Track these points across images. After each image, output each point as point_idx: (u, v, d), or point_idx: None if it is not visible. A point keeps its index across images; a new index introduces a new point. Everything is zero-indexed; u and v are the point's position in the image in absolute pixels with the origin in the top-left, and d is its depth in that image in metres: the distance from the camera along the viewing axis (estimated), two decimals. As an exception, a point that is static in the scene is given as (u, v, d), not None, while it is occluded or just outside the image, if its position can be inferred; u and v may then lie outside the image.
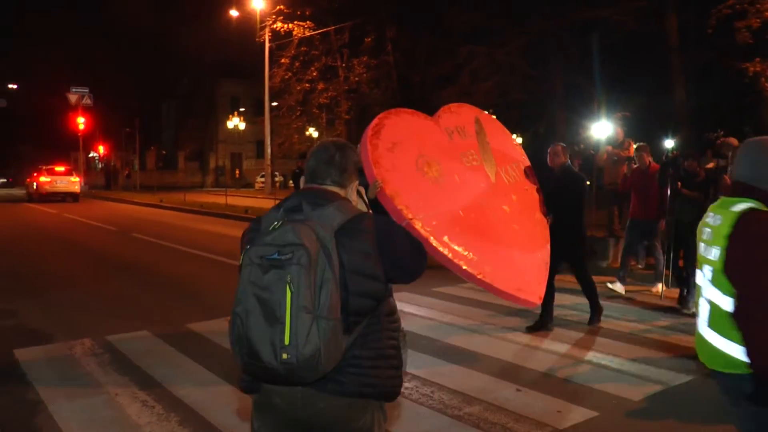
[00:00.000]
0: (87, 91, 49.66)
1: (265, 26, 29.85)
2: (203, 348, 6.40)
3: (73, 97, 49.14)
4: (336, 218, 2.17)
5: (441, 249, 5.22)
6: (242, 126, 49.73)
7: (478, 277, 5.36)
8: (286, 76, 32.06)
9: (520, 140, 43.20)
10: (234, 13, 31.73)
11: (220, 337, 6.64)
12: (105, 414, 4.83)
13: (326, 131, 36.87)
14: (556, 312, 7.08)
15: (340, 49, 32.11)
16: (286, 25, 30.79)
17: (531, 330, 6.89)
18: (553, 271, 6.66)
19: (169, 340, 6.69)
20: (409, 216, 5.14)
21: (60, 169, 34.60)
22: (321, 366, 2.05)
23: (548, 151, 7.04)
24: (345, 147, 2.42)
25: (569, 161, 7.11)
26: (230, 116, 49.09)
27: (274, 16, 30.55)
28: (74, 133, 49.48)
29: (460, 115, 6.42)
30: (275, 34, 30.72)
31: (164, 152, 63.33)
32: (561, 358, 6.12)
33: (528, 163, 6.98)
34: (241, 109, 51.97)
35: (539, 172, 7.15)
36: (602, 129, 16.44)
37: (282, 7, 30.64)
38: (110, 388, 5.34)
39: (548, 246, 6.43)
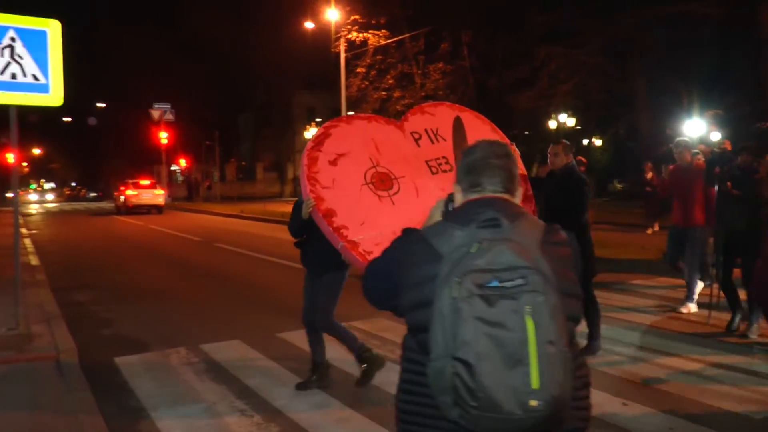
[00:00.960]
0: (169, 106, 51.35)
1: (340, 37, 30.05)
2: (296, 358, 6.33)
3: (155, 113, 50.89)
4: (534, 232, 1.89)
5: None
6: (320, 136, 50.19)
7: None
8: (363, 85, 32.23)
9: (599, 142, 42.20)
10: (309, 25, 32.08)
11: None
12: (205, 422, 4.83)
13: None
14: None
15: (415, 56, 32.06)
16: (361, 35, 30.96)
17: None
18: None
19: (262, 348, 6.67)
20: (348, 237, 4.64)
21: (145, 182, 35.89)
22: (567, 407, 1.76)
23: (548, 151, 6.45)
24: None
25: (573, 162, 6.38)
26: (307, 126, 49.68)
27: (348, 27, 30.76)
28: (157, 147, 51.20)
29: (434, 116, 5.69)
30: (350, 43, 30.90)
31: (243, 164, 64.74)
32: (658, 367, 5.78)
33: (522, 166, 6.73)
34: (318, 120, 52.53)
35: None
36: (694, 127, 15.75)
37: (357, 17, 30.83)
38: (208, 396, 5.35)
39: None
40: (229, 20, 45.54)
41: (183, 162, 58.07)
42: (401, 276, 1.89)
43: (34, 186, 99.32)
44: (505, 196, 2.03)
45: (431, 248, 1.85)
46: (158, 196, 35.05)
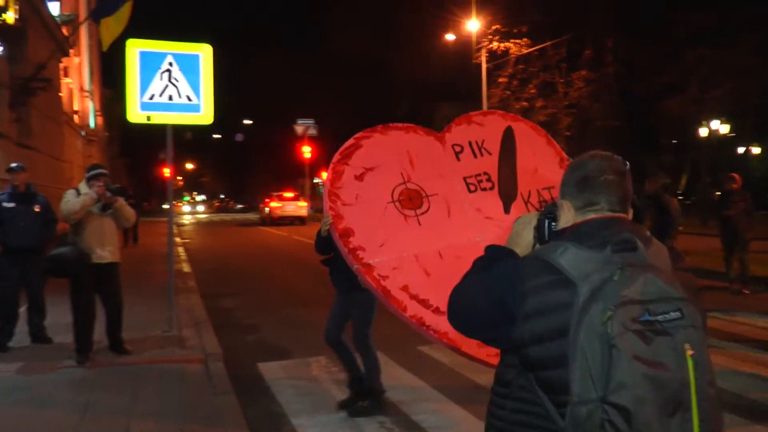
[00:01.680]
0: (312, 121, 53.13)
1: (481, 47, 29.83)
2: (436, 371, 6.23)
3: (299, 129, 52.85)
4: (664, 257, 1.68)
5: (399, 299, 4.24)
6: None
7: (443, 339, 4.23)
8: (504, 96, 31.80)
9: (757, 150, 39.08)
10: (450, 36, 32.10)
11: (453, 361, 6.44)
12: (345, 432, 4.81)
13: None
14: None
15: (558, 64, 31.28)
16: (502, 44, 30.62)
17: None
18: None
19: (402, 361, 6.61)
20: (363, 259, 4.27)
21: (289, 195, 37.38)
22: None
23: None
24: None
25: (658, 191, 5.96)
26: (448, 139, 49.79)
27: (490, 36, 30.49)
28: (301, 161, 53.07)
29: (482, 126, 5.16)
30: (491, 53, 30.63)
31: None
32: None
33: None
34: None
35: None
36: None
37: (498, 26, 30.51)
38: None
39: None
40: (371, 36, 46.47)
41: (325, 175, 59.75)
42: (515, 302, 1.65)
43: (187, 198, 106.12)
44: (624, 216, 1.79)
45: (558, 271, 1.61)
46: (301, 207, 36.43)
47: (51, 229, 7.55)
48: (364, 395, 5.27)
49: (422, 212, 4.59)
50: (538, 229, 1.92)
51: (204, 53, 7.90)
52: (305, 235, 25.74)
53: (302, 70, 54.54)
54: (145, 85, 7.73)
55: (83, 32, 21.01)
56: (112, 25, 12.35)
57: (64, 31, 14.86)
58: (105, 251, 6.56)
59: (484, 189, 4.87)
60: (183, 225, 39.45)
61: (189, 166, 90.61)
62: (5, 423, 4.90)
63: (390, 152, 4.70)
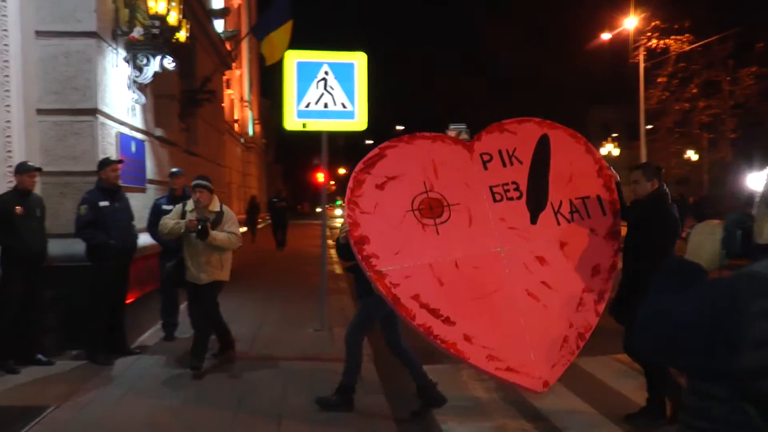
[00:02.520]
0: (464, 126, 53.00)
1: (638, 45, 28.51)
2: (588, 385, 6.00)
3: (451, 133, 52.77)
4: None
5: (408, 308, 4.26)
6: (616, 152, 48.31)
7: (450, 349, 4.25)
8: (663, 96, 30.24)
9: None
10: (606, 36, 30.90)
11: (608, 375, 6.21)
12: (495, 442, 4.75)
13: (708, 153, 33.64)
14: None
15: (724, 61, 29.24)
16: (661, 42, 29.08)
17: (628, 420, 5.11)
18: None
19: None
20: (376, 267, 4.28)
21: (437, 199, 37.47)
22: None
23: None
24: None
25: (661, 188, 5.16)
26: (603, 142, 48.01)
27: (648, 34, 29.04)
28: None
29: (515, 134, 4.97)
30: (649, 52, 29.18)
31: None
32: None
33: (614, 195, 4.98)
34: (614, 135, 50.58)
35: None
36: None
37: (657, 22, 28.99)
38: (497, 416, 5.28)
39: (590, 318, 4.61)
40: (523, 37, 45.83)
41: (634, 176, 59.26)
42: (737, 326, 1.47)
43: (339, 202, 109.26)
44: None
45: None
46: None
47: None
48: (432, 401, 5.30)
49: (442, 221, 4.59)
50: (728, 240, 1.77)
51: (359, 61, 8.13)
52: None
53: (454, 74, 54.71)
54: (301, 94, 8.08)
55: (244, 47, 22.23)
56: (277, 42, 12.94)
57: (227, 46, 15.78)
58: (201, 273, 6.44)
59: (511, 198, 4.78)
60: (335, 228, 40.70)
61: (341, 171, 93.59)
62: (162, 415, 5.21)
63: (414, 161, 4.71)
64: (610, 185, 4.96)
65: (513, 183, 4.83)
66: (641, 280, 4.65)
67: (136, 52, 8.15)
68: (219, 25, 15.42)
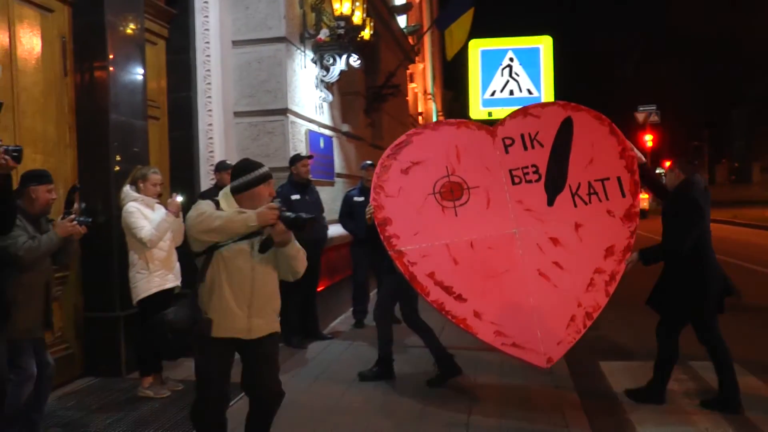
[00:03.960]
0: (654, 107, 50.07)
1: None
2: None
3: (640, 116, 50.12)
4: None
5: (423, 285, 4.68)
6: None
7: (461, 324, 4.66)
8: None
9: None
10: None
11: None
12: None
13: None
14: None
15: None
16: None
17: (631, 395, 5.34)
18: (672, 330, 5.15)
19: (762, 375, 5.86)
20: (396, 246, 4.65)
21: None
22: None
23: None
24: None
25: (693, 179, 5.16)
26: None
27: None
28: (641, 150, 50.30)
29: (539, 118, 5.03)
30: None
31: (736, 164, 59.48)
32: None
33: (636, 176, 4.95)
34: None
35: None
36: None
37: None
38: (698, 420, 4.88)
39: (600, 298, 4.78)
40: (719, 9, 42.32)
41: (668, 165, 56.04)
42: None
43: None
44: None
45: None
46: (642, 200, 34.35)
47: None
48: (449, 371, 5.66)
49: (461, 204, 4.88)
50: None
51: (544, 45, 7.97)
52: (647, 229, 24.27)
53: (642, 53, 51.78)
54: (486, 83, 8.05)
55: (426, 40, 22.47)
56: (456, 34, 12.98)
57: (410, 40, 16.03)
58: None
59: (529, 181, 4.96)
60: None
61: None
62: (353, 398, 5.37)
63: (438, 147, 4.96)
64: (632, 167, 5.00)
65: (533, 166, 5.00)
66: (667, 267, 5.23)
67: (322, 52, 8.52)
68: (401, 20, 15.69)
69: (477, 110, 8.15)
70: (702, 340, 5.09)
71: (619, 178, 4.97)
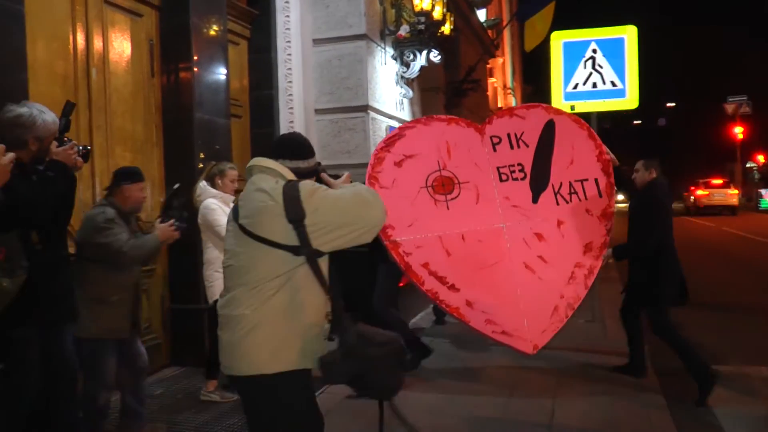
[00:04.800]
0: (745, 98, 47.95)
1: None
2: None
3: (729, 107, 48.14)
4: None
5: (418, 275, 4.64)
6: None
7: (454, 313, 4.73)
8: None
9: None
10: None
11: None
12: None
13: None
14: None
15: None
16: None
17: (618, 370, 5.93)
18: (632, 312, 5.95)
19: None
20: (391, 237, 4.62)
21: (717, 182, 34.29)
22: None
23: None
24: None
25: (656, 179, 5.91)
26: None
27: None
28: (731, 143, 48.30)
29: (524, 119, 5.22)
30: None
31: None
32: None
33: (611, 179, 5.24)
34: None
35: None
36: None
37: None
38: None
39: (580, 290, 4.95)
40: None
41: (761, 158, 53.57)
42: None
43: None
44: None
45: None
46: (731, 196, 33.08)
47: None
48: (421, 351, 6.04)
49: (452, 198, 4.93)
50: None
51: (628, 35, 7.72)
52: (736, 226, 23.35)
53: (733, 42, 49.62)
54: (568, 75, 7.86)
55: (506, 34, 22.18)
56: (537, 27, 12.75)
57: (489, 34, 15.84)
58: None
59: (516, 179, 5.11)
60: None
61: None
62: (437, 398, 5.35)
63: (430, 141, 5.02)
64: (608, 169, 5.27)
65: (519, 164, 5.17)
66: (635, 261, 5.80)
67: (403, 48, 8.50)
68: (481, 14, 15.52)
69: (559, 104, 7.97)
70: (656, 330, 5.56)
71: (596, 180, 5.25)
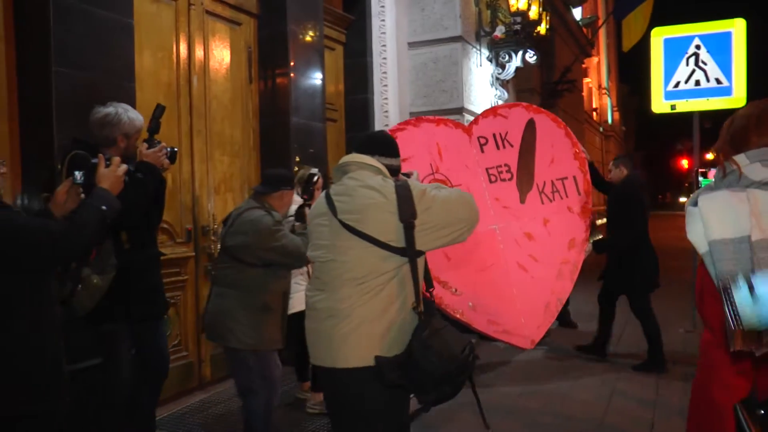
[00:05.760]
0: None
1: None
2: None
3: None
4: None
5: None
6: None
7: (456, 315, 4.95)
8: None
9: None
10: None
11: None
12: None
13: None
14: None
15: None
16: None
17: (581, 350, 6.51)
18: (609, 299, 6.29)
19: None
20: None
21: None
22: None
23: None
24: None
25: (631, 174, 6.11)
26: None
27: None
28: None
29: (507, 118, 5.35)
30: None
31: None
32: None
33: (587, 176, 5.43)
34: None
35: None
36: None
37: None
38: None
39: (567, 285, 5.19)
40: None
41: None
42: None
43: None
44: None
45: None
46: None
47: None
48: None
49: None
50: None
51: (736, 29, 7.25)
52: None
53: None
54: (669, 73, 7.49)
55: (601, 32, 21.56)
56: (634, 25, 12.29)
57: (585, 32, 15.42)
58: None
59: (504, 180, 5.29)
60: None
61: (708, 156, 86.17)
62: (529, 399, 5.19)
63: (422, 144, 5.12)
64: (583, 167, 5.40)
65: (505, 165, 5.32)
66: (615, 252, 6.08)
67: (498, 50, 8.36)
68: (576, 13, 15.12)
69: (659, 103, 7.62)
70: (634, 312, 6.08)
71: (575, 177, 5.38)
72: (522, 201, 5.39)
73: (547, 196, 5.38)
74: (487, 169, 5.34)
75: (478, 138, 5.38)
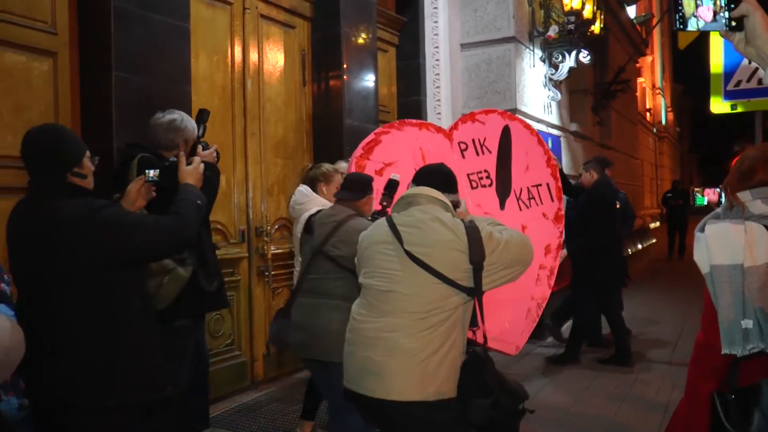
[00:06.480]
0: None
1: None
2: None
3: None
4: None
5: None
6: None
7: None
8: None
9: None
10: None
11: None
12: None
13: None
14: None
15: None
16: None
17: (553, 362, 6.53)
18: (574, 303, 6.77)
19: None
20: None
21: None
22: None
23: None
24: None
25: (602, 177, 6.41)
26: None
27: None
28: None
29: (484, 124, 5.26)
30: None
31: None
32: None
33: (559, 183, 5.30)
34: None
35: None
36: None
37: None
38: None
39: (545, 290, 5.09)
40: None
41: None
42: None
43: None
44: None
45: None
46: None
47: (629, 225, 7.95)
48: None
49: None
50: None
51: (806, 23, 7.00)
52: None
53: None
54: (730, 72, 7.26)
55: (656, 31, 21.10)
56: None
57: (638, 30, 15.09)
58: None
59: (484, 186, 5.26)
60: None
61: None
62: (548, 398, 5.15)
63: (405, 148, 5.04)
64: (555, 174, 5.38)
65: (485, 171, 5.26)
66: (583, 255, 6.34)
67: (551, 50, 8.23)
68: (630, 11, 14.81)
69: (719, 104, 7.36)
70: (604, 311, 6.55)
71: (548, 184, 5.40)
72: (502, 207, 5.42)
73: (524, 203, 5.45)
74: (468, 175, 5.35)
75: (459, 143, 5.39)
